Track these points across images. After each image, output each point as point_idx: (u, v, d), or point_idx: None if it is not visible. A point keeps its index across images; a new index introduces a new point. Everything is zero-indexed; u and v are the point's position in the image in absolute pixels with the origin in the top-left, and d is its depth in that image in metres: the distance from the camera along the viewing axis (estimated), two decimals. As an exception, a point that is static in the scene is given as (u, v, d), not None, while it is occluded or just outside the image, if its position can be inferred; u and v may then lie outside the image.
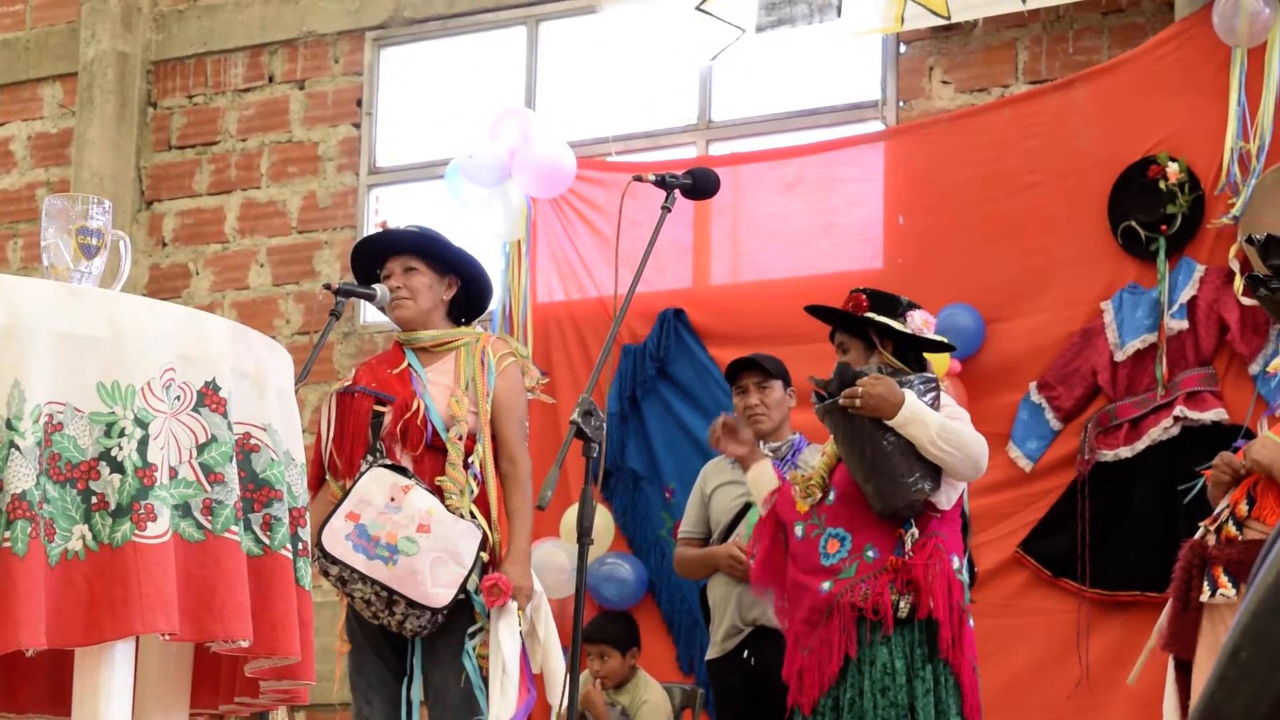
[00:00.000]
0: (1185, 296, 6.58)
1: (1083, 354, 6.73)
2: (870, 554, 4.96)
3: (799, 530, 5.11)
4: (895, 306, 5.21)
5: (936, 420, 4.93)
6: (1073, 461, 6.69)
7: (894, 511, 4.98)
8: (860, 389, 4.90)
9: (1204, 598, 4.73)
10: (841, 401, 4.93)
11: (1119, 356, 6.65)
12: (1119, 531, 6.55)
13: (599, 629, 6.57)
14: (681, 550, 6.19)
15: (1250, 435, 6.23)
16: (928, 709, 4.87)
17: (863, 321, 5.17)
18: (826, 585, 4.99)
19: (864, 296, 5.20)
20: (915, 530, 4.97)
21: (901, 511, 4.97)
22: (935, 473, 4.98)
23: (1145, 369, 6.62)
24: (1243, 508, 4.77)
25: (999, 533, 6.67)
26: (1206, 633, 4.73)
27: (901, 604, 4.92)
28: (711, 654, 6.07)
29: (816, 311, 5.33)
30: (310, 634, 2.89)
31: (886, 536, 4.98)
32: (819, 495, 5.11)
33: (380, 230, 5.43)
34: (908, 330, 5.17)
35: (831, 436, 5.13)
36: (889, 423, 4.91)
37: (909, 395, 4.92)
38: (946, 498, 5.05)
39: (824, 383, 5.08)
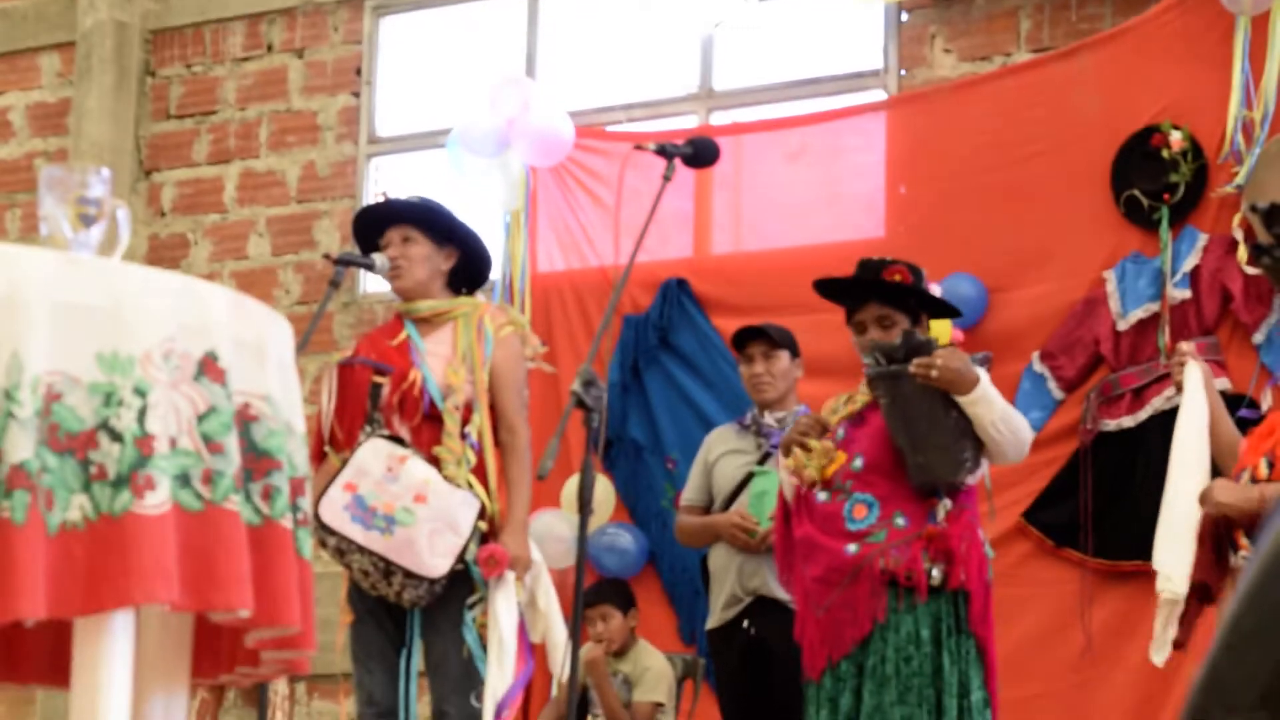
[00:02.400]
0: (1188, 265, 6.57)
1: (1085, 323, 6.72)
2: (900, 521, 4.93)
3: (822, 495, 5.07)
4: (921, 278, 5.19)
5: (1001, 402, 4.94)
6: (1075, 431, 6.68)
7: (934, 485, 4.95)
8: (939, 360, 4.85)
9: None
10: (914, 369, 4.86)
11: (1122, 326, 6.64)
12: (1122, 501, 6.55)
13: (597, 592, 6.59)
14: (683, 518, 6.18)
15: (1254, 404, 6.23)
16: (953, 680, 4.86)
17: (917, 295, 5.11)
18: (852, 548, 4.95)
19: (904, 269, 5.13)
20: (948, 501, 4.96)
21: (942, 486, 4.95)
22: (979, 450, 4.97)
23: (1148, 338, 6.61)
24: (1262, 469, 4.78)
25: (1002, 503, 6.64)
26: (1229, 594, 4.75)
27: (934, 573, 4.90)
28: (711, 623, 6.07)
29: (868, 286, 5.16)
30: (311, 604, 2.88)
31: (917, 505, 4.96)
32: (816, 479, 5.05)
33: (379, 200, 5.43)
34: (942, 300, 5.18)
35: (882, 405, 5.07)
36: (959, 399, 4.88)
37: (982, 373, 4.90)
38: (975, 473, 5.05)
39: (889, 348, 5.00)
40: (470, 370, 5.05)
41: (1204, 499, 4.86)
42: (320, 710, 8.56)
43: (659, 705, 6.38)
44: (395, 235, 5.20)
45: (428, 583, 4.83)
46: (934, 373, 4.84)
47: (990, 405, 4.89)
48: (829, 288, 5.26)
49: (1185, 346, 5.19)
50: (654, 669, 6.46)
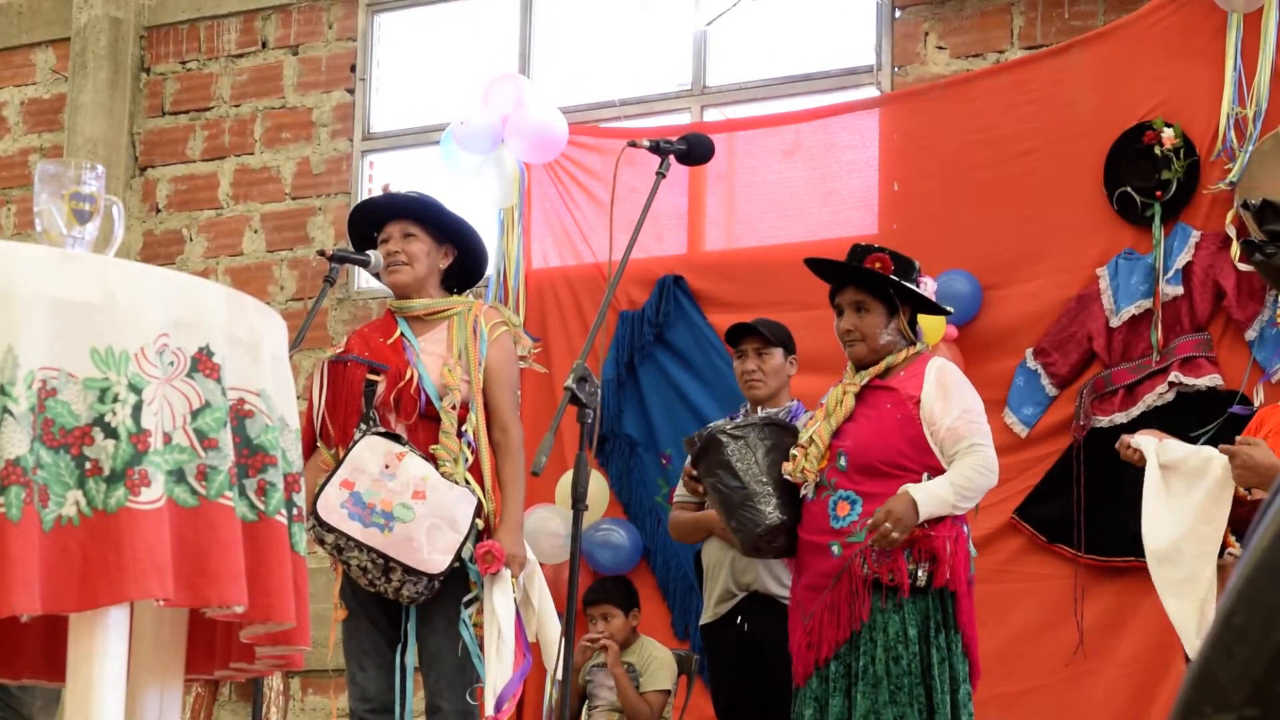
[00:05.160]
0: (1181, 262, 6.57)
1: (1078, 320, 6.73)
2: None
3: (809, 494, 5.10)
4: (911, 270, 5.19)
5: (949, 490, 4.91)
6: (1068, 427, 6.69)
7: (755, 546, 5.21)
8: (887, 524, 4.85)
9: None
10: (874, 541, 4.88)
11: (1114, 322, 6.65)
12: (1114, 497, 6.55)
13: (600, 591, 6.62)
14: (676, 513, 6.19)
15: (1246, 401, 6.24)
16: (943, 677, 4.87)
17: (892, 284, 5.13)
18: (836, 548, 4.97)
19: (887, 257, 5.14)
20: None
21: (764, 545, 5.17)
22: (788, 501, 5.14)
23: (1141, 335, 6.62)
24: None
25: (994, 498, 6.65)
26: (1220, 593, 4.74)
27: (919, 573, 4.91)
28: (705, 618, 6.08)
29: (840, 269, 5.22)
30: (305, 599, 2.89)
31: None
32: (814, 483, 5.08)
33: (381, 193, 5.42)
34: (927, 295, 5.17)
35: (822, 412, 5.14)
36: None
37: (917, 492, 4.89)
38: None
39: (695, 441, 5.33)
40: (466, 370, 5.05)
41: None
42: (314, 705, 8.57)
43: (667, 692, 6.44)
44: (396, 230, 5.19)
45: (427, 579, 4.83)
46: (895, 534, 4.87)
47: (942, 504, 4.92)
48: (818, 267, 5.29)
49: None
50: (659, 658, 6.51)
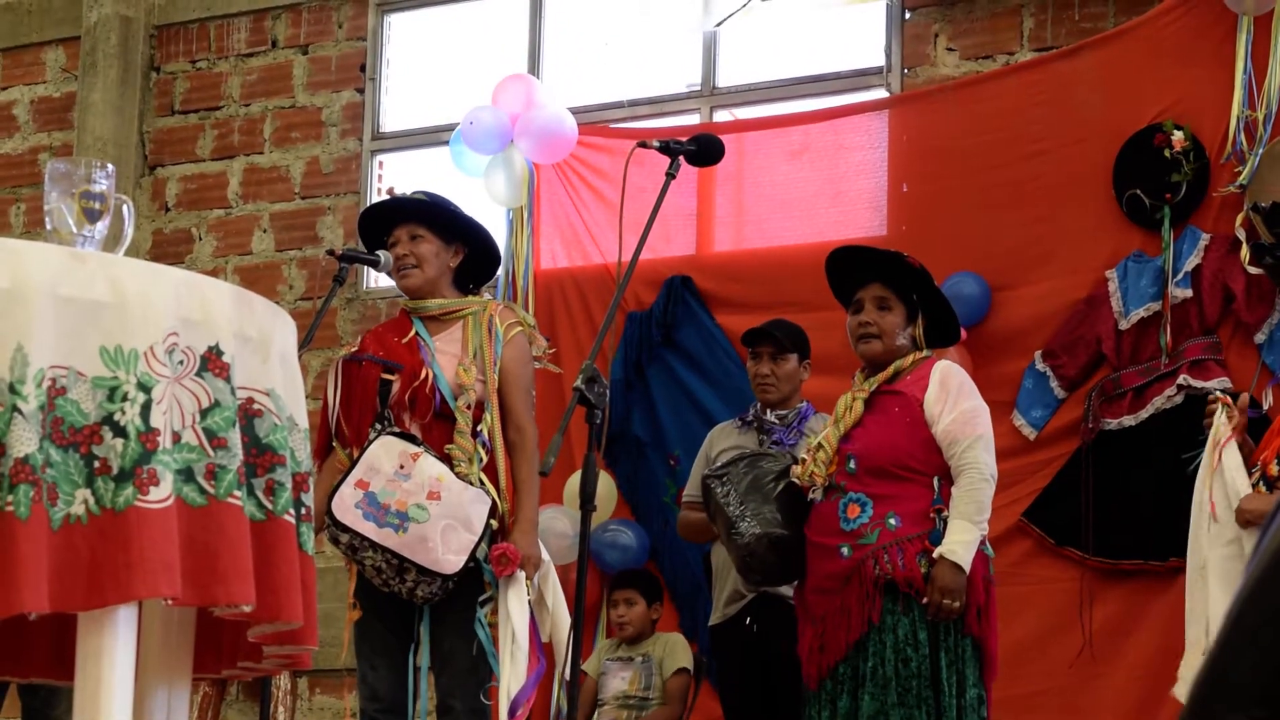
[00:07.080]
0: (1190, 265, 6.57)
1: (1087, 322, 6.72)
2: (893, 522, 4.94)
3: (817, 496, 5.10)
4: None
5: (970, 528, 4.92)
6: (1077, 430, 6.68)
7: (749, 567, 5.23)
8: (949, 602, 4.85)
9: None
10: (938, 616, 4.88)
11: (1123, 325, 6.64)
12: (1122, 500, 6.55)
13: (627, 576, 6.73)
14: (685, 514, 6.19)
15: (1255, 404, 6.23)
16: (951, 680, 4.87)
17: (923, 286, 5.14)
18: (846, 550, 4.97)
19: (919, 266, 5.17)
20: (946, 509, 4.97)
21: (755, 564, 5.18)
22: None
23: (1149, 337, 6.61)
24: (1273, 468, 4.78)
25: (1003, 501, 6.64)
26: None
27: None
28: (714, 620, 6.09)
29: (876, 256, 5.22)
30: (313, 599, 2.89)
31: (910, 506, 4.96)
32: (823, 486, 5.09)
33: (386, 197, 5.43)
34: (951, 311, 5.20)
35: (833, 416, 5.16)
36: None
37: (952, 553, 4.87)
38: None
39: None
40: (481, 370, 5.05)
41: (1238, 514, 4.86)
42: (322, 705, 8.58)
43: (688, 672, 6.52)
44: (404, 233, 5.19)
45: (441, 579, 4.83)
46: (956, 604, 4.87)
47: (973, 542, 4.92)
48: (852, 255, 5.28)
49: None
50: (676, 641, 6.63)
